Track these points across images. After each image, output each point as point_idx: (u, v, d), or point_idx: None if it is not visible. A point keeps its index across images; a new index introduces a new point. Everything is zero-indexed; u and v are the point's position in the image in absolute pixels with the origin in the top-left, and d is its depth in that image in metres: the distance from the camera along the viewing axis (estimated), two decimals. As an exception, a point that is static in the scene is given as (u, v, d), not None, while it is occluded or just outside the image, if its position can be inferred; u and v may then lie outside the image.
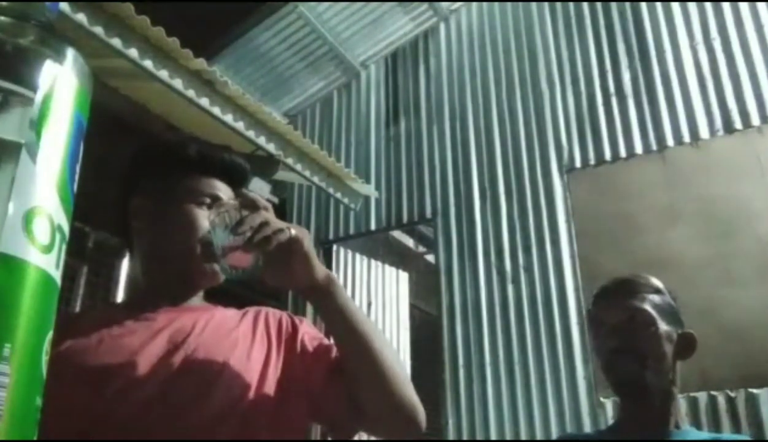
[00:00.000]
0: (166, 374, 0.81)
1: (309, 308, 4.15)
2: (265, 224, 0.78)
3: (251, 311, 0.97)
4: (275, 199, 5.14)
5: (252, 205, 0.81)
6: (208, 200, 0.93)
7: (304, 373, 0.90)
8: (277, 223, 0.79)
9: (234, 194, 0.96)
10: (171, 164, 0.97)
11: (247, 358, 0.87)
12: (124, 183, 0.99)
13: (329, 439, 4.83)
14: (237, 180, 0.99)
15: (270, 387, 0.86)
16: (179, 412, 0.79)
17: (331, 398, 0.88)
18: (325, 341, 0.94)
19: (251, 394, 0.83)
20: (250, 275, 0.80)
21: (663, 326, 1.18)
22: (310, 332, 0.95)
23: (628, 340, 1.16)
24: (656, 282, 1.24)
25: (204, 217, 0.90)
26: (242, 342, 0.89)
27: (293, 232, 0.80)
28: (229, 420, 0.80)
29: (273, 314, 0.97)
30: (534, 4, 5.08)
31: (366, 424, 0.89)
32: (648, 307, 1.18)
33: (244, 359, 0.87)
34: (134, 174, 0.99)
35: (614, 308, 1.20)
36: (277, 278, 0.83)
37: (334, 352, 0.91)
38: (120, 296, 3.67)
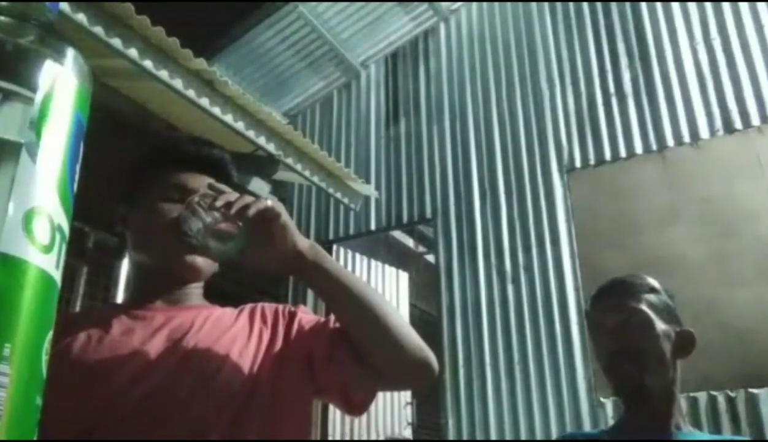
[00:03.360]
0: (165, 371, 0.82)
1: (309, 303, 4.16)
2: (240, 197, 0.79)
3: (248, 307, 0.98)
4: (275, 200, 5.14)
5: (221, 193, 0.81)
6: (176, 193, 0.93)
7: (305, 351, 0.90)
8: (251, 197, 0.80)
9: None
10: (141, 167, 0.99)
11: (246, 352, 0.87)
12: (114, 195, 1.01)
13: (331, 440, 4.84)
14: (212, 169, 0.98)
15: (270, 379, 0.86)
16: (179, 409, 0.79)
17: (337, 368, 0.88)
18: (323, 319, 0.94)
19: (251, 387, 0.84)
20: (235, 250, 0.79)
21: (660, 325, 1.18)
22: (307, 316, 0.96)
23: (626, 341, 1.17)
24: (652, 282, 1.25)
25: (174, 210, 0.91)
26: (240, 337, 0.90)
27: (269, 202, 0.80)
28: (229, 414, 0.80)
29: (269, 306, 0.98)
30: (534, 4, 5.08)
31: (382, 380, 0.89)
32: (644, 307, 1.19)
33: (242, 354, 0.87)
34: (119, 185, 1.02)
35: (611, 309, 1.21)
36: (262, 255, 0.82)
37: (332, 322, 0.91)
38: (120, 296, 3.67)
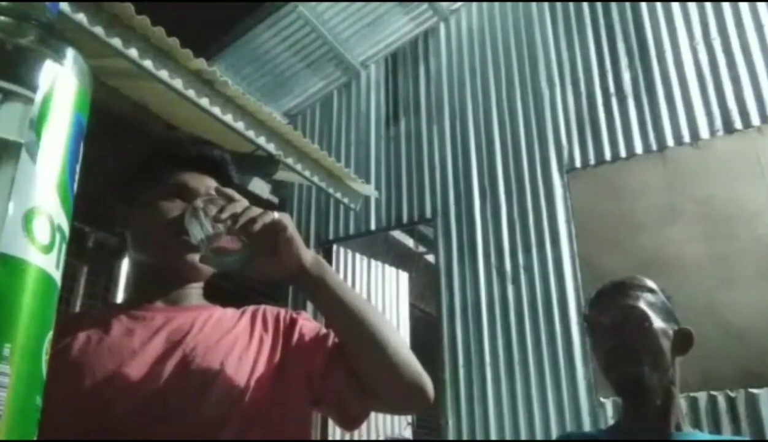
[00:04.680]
0: (165, 373, 0.81)
1: (309, 306, 4.16)
2: (247, 208, 0.77)
3: (249, 309, 0.97)
4: (275, 200, 5.15)
5: (228, 198, 0.80)
6: (176, 193, 0.93)
7: (304, 362, 0.89)
8: (258, 209, 0.78)
9: (215, 184, 0.96)
10: (142, 166, 0.99)
11: (246, 355, 0.87)
12: (115, 195, 1.01)
13: (331, 439, 4.84)
14: (213, 170, 0.98)
15: (269, 383, 0.86)
16: (178, 411, 0.79)
17: (333, 383, 0.87)
18: (324, 330, 0.94)
19: (251, 391, 0.83)
20: (238, 264, 0.78)
21: (658, 323, 1.20)
22: (308, 324, 0.95)
23: (624, 338, 1.18)
24: (649, 282, 1.27)
25: (175, 209, 0.91)
26: (241, 340, 0.89)
27: (276, 215, 0.79)
28: (228, 418, 0.80)
29: (271, 310, 0.97)
30: (534, 4, 5.08)
31: (374, 402, 0.89)
32: (642, 305, 1.21)
33: (242, 357, 0.86)
34: (119, 185, 1.02)
35: (609, 309, 1.23)
36: (265, 266, 0.81)
37: (332, 338, 0.90)
38: (120, 296, 3.67)
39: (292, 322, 0.94)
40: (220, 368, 0.83)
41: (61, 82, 0.42)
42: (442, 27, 5.52)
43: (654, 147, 4.27)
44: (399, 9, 5.38)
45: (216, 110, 3.12)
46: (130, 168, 1.01)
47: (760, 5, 4.20)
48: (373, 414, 1.00)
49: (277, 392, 0.86)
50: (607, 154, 4.41)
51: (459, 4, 5.45)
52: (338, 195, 4.21)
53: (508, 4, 5.21)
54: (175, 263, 0.92)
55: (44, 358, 0.39)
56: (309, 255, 0.84)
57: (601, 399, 3.89)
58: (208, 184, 0.96)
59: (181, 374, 0.82)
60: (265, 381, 0.86)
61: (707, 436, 1.31)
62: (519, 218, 4.58)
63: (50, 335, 0.40)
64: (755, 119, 4.00)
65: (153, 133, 3.22)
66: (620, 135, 4.40)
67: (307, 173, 3.81)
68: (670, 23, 4.48)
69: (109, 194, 1.02)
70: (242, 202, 0.79)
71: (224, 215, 0.76)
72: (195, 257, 0.88)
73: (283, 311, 0.97)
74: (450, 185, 4.98)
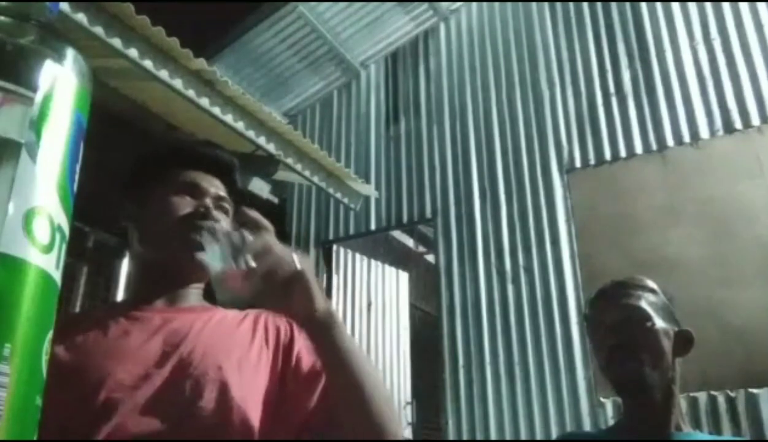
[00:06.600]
0: (161, 376, 0.81)
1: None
2: (268, 251, 0.74)
3: (252, 314, 0.96)
4: (275, 200, 5.15)
5: (253, 226, 0.76)
6: (188, 190, 0.94)
7: (298, 391, 0.88)
8: (279, 250, 0.75)
9: (222, 186, 0.98)
10: (152, 163, 1.00)
11: (245, 362, 0.86)
12: (121, 191, 1.01)
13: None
14: (220, 171, 1.00)
15: (266, 394, 0.85)
16: (174, 415, 0.78)
17: (319, 419, 0.87)
18: (318, 365, 0.92)
19: (247, 399, 0.83)
20: (247, 299, 0.76)
21: (659, 323, 1.20)
22: (305, 349, 0.93)
23: (625, 337, 1.18)
24: (650, 283, 1.27)
25: (186, 206, 0.92)
26: (240, 346, 0.89)
27: (298, 265, 0.76)
28: (224, 424, 0.80)
29: (273, 319, 0.96)
30: (534, 4, 5.08)
31: (338, 436, 0.87)
32: (644, 305, 1.21)
33: (241, 363, 0.86)
34: (127, 181, 1.02)
35: (611, 308, 1.23)
36: (274, 304, 0.79)
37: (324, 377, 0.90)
38: (120, 296, 3.67)
39: (292, 339, 0.93)
40: (217, 372, 0.83)
41: (61, 82, 0.42)
42: (442, 27, 5.52)
43: (654, 147, 4.27)
44: (399, 9, 5.38)
45: (216, 110, 3.12)
46: (140, 164, 1.02)
47: (760, 5, 4.20)
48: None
49: (273, 404, 0.86)
50: (607, 154, 4.41)
51: (459, 4, 5.45)
52: (338, 195, 4.21)
53: (508, 4, 5.21)
54: (181, 259, 0.91)
55: (44, 358, 0.39)
56: (321, 306, 0.79)
57: (601, 399, 3.89)
58: (216, 185, 0.98)
59: (177, 376, 0.81)
60: (261, 389, 0.85)
61: (707, 436, 1.31)
62: (519, 218, 4.58)
63: (50, 335, 0.40)
64: (755, 119, 4.00)
65: (153, 133, 3.23)
66: (620, 135, 4.40)
67: (307, 173, 3.81)
68: (670, 23, 4.48)
69: (111, 194, 1.02)
70: (264, 238, 0.75)
71: (251, 264, 0.72)
72: (202, 256, 0.87)
73: (284, 323, 0.95)
74: (450, 185, 4.98)
